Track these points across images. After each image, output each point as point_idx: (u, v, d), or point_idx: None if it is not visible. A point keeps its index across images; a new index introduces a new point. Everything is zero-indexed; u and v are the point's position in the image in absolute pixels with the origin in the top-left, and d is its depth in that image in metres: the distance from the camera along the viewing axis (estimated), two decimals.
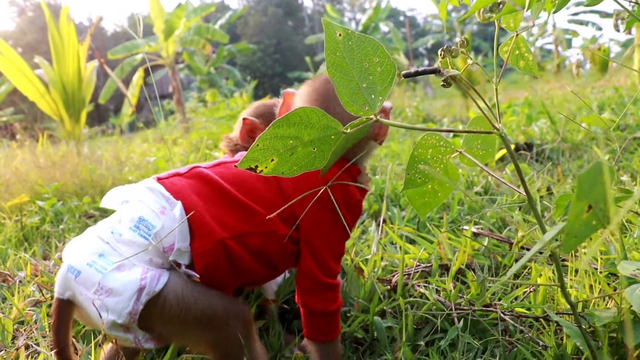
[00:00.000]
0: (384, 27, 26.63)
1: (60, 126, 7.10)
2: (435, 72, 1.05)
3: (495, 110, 1.04)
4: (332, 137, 0.88)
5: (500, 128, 0.98)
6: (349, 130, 0.88)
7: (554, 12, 1.02)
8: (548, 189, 2.50)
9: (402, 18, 54.05)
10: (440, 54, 1.00)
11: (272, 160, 0.87)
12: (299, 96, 1.42)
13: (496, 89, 1.02)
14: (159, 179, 1.27)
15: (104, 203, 1.30)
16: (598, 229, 0.73)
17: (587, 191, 0.68)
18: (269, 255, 1.24)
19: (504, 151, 3.25)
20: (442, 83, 1.01)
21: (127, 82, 16.44)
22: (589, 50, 11.91)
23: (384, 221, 2.22)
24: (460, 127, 5.32)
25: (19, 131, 6.58)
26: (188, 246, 1.19)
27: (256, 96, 16.16)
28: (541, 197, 2.36)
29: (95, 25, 7.34)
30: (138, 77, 13.94)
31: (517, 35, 1.04)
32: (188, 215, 1.18)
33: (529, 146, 3.63)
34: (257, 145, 0.85)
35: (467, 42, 1.01)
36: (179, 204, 1.20)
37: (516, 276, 1.59)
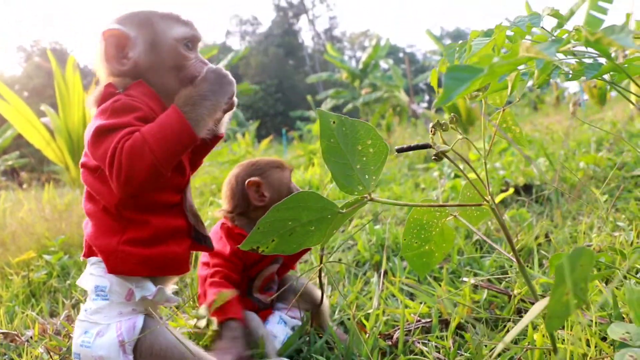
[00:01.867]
0: (383, 64, 26.94)
1: (65, 173, 7.21)
2: (428, 147, 1.11)
3: (485, 180, 1.09)
4: (329, 216, 0.93)
5: (489, 200, 1.03)
6: (344, 211, 0.93)
7: (538, 87, 1.07)
8: (546, 235, 2.54)
9: (401, 54, 54.79)
10: (431, 130, 1.06)
11: (273, 240, 0.92)
12: None
13: (485, 162, 1.07)
14: None
15: (80, 284, 1.44)
16: (579, 307, 0.77)
17: (566, 276, 0.72)
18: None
19: (503, 195, 3.29)
20: (433, 158, 1.07)
21: None
22: (586, 84, 12.06)
23: (385, 273, 2.26)
24: (461, 167, 5.36)
25: (25, 180, 6.65)
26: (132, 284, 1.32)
27: (259, 136, 16.35)
28: (539, 244, 2.40)
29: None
30: None
31: (503, 110, 1.10)
32: None
33: (528, 188, 3.67)
34: (258, 228, 0.90)
35: (457, 118, 1.06)
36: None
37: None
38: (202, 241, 1.47)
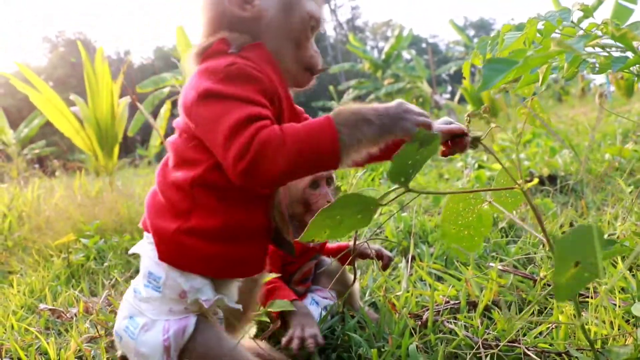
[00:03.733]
0: (406, 55, 26.82)
1: (94, 161, 7.36)
2: (464, 134, 1.18)
3: (517, 165, 1.16)
4: (372, 207, 1.02)
5: (521, 184, 1.09)
6: (384, 203, 1.01)
7: (567, 80, 1.13)
8: (571, 224, 2.58)
9: (424, 45, 54.44)
10: (467, 119, 1.13)
11: (325, 232, 1.01)
12: None
13: (517, 148, 1.13)
14: None
15: (134, 250, 1.33)
16: (591, 280, 0.84)
17: (570, 252, 0.79)
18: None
19: (528, 185, 3.33)
20: (469, 145, 1.14)
21: (155, 114, 16.81)
22: (612, 76, 11.94)
23: (413, 258, 2.33)
24: (485, 158, 5.38)
25: (57, 167, 6.81)
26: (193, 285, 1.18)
27: None
28: (563, 232, 2.45)
29: (127, 64, 7.60)
30: (166, 109, 14.22)
31: (532, 99, 1.16)
32: None
33: (552, 179, 3.70)
34: (310, 226, 0.99)
35: (490, 108, 1.13)
36: None
37: (540, 312, 1.68)
38: (281, 245, 1.32)
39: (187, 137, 1.18)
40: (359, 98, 25.37)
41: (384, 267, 1.87)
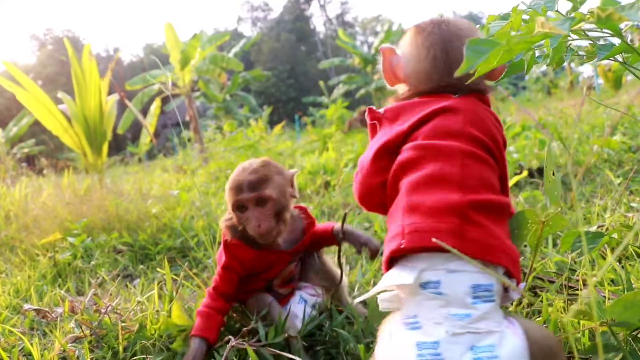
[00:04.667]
0: None
1: (83, 159, 7.31)
2: None
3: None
4: None
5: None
6: None
7: (553, 69, 1.12)
8: None
9: None
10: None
11: None
12: (410, 44, 1.33)
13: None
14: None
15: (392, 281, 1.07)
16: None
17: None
18: None
19: (517, 177, 3.33)
20: None
21: (144, 111, 16.74)
22: (600, 68, 11.97)
23: None
24: None
25: (45, 166, 6.75)
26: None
27: (271, 122, 16.40)
28: None
29: (115, 60, 7.56)
30: (155, 106, 14.18)
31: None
32: None
33: (541, 171, 3.70)
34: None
35: None
36: None
37: (530, 305, 1.67)
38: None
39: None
40: (349, 93, 25.35)
41: (372, 257, 1.84)
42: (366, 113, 1.31)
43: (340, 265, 1.81)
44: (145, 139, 14.85)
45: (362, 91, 23.25)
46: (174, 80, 15.62)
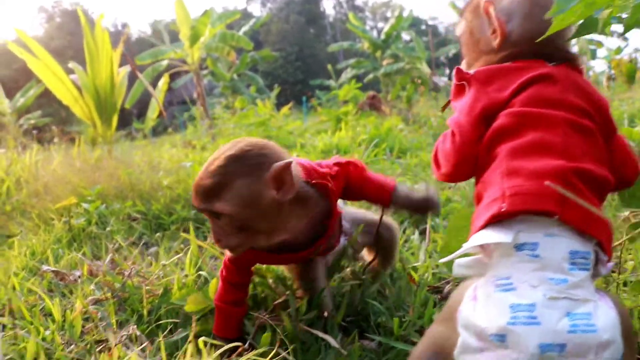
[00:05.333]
0: (405, 36, 26.66)
1: (92, 130, 7.26)
2: None
3: None
4: None
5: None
6: None
7: (625, 31, 1.06)
8: None
9: (423, 27, 54.09)
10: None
11: None
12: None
13: None
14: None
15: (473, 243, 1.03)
16: None
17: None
18: None
19: None
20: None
21: (152, 87, 16.69)
22: (616, 62, 11.87)
23: (425, 231, 2.27)
24: None
25: (56, 134, 6.71)
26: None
27: (278, 104, 16.30)
28: None
29: (126, 34, 7.48)
30: (163, 82, 14.09)
31: None
32: None
33: None
34: None
35: None
36: None
37: None
38: None
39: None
40: (357, 78, 25.20)
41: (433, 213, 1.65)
42: (453, 72, 1.23)
43: (375, 246, 1.73)
44: (153, 114, 14.76)
45: (370, 76, 23.10)
46: (183, 57, 15.52)
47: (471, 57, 1.33)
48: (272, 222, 1.32)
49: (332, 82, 21.96)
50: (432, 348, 1.03)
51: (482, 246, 1.00)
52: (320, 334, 1.35)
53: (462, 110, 1.18)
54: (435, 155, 1.25)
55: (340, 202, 1.64)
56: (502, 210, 0.98)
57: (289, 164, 1.27)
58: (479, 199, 1.10)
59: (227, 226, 1.29)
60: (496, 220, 0.99)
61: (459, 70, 1.23)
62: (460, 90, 1.23)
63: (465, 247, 1.01)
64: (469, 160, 1.16)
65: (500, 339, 0.89)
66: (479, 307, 0.94)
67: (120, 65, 7.30)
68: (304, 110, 17.35)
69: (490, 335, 0.90)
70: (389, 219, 1.74)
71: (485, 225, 1.00)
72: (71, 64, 7.37)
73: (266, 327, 1.45)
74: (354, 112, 7.61)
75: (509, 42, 1.23)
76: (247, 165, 1.28)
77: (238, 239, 1.31)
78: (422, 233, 2.34)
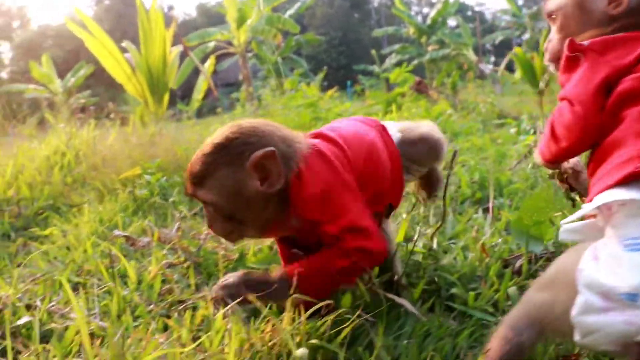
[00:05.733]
0: (451, 22, 26.23)
1: (142, 109, 7.41)
2: None
3: None
4: None
5: None
6: None
7: None
8: None
9: (469, 13, 53.16)
10: None
11: None
12: None
13: None
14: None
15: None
16: None
17: None
18: None
19: None
20: None
21: (198, 69, 16.85)
22: None
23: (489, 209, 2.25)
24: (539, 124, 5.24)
25: (112, 110, 6.87)
26: None
27: (321, 87, 16.29)
28: None
29: (176, 18, 7.58)
30: (210, 64, 14.24)
31: None
32: None
33: None
34: None
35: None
36: None
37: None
38: None
39: None
40: (401, 63, 24.96)
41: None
42: (566, 44, 1.21)
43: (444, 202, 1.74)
44: (198, 95, 14.93)
45: (415, 62, 22.87)
46: (230, 39, 15.64)
47: (575, 30, 1.29)
48: (259, 214, 1.28)
49: (375, 68, 21.82)
50: (529, 315, 1.01)
51: (600, 208, 0.98)
52: (399, 300, 1.35)
53: (580, 81, 1.16)
54: (552, 130, 1.20)
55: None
56: (638, 169, 0.95)
57: (270, 153, 1.20)
58: (598, 163, 1.07)
59: (216, 214, 1.28)
60: (629, 181, 0.96)
61: (572, 42, 1.20)
62: (572, 63, 1.20)
63: (590, 206, 0.99)
64: (593, 130, 1.13)
65: (632, 298, 0.86)
66: (603, 266, 0.91)
67: (172, 45, 7.42)
68: (348, 95, 17.31)
69: (620, 294, 0.87)
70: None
71: (614, 185, 0.98)
72: (125, 43, 7.51)
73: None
74: (412, 91, 7.59)
75: (627, 11, 1.21)
76: (230, 154, 1.24)
77: (229, 227, 1.29)
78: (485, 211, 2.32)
